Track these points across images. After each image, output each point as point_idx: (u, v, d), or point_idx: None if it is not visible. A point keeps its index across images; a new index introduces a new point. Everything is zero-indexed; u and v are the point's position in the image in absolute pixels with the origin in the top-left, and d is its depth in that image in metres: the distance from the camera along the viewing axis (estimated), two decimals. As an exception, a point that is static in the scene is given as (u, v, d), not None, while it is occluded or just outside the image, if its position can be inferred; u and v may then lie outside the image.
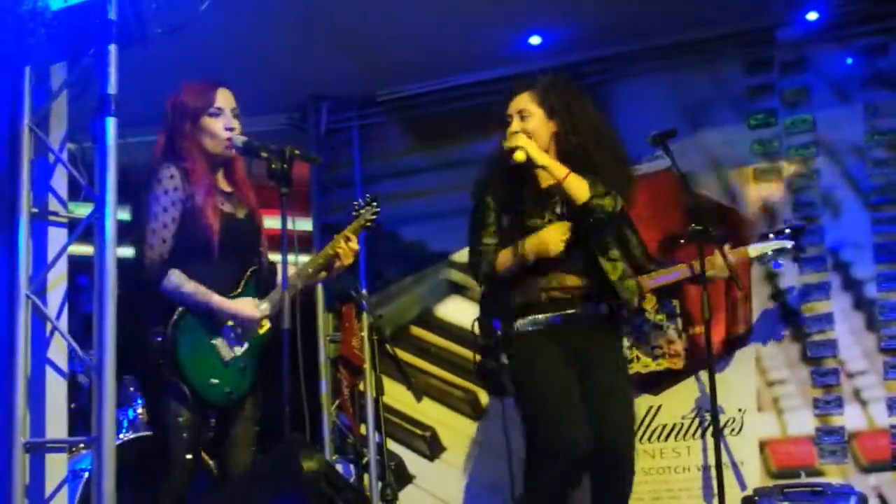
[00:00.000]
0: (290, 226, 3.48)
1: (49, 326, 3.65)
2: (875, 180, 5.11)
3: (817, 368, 5.08)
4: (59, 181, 3.82)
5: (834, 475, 4.94)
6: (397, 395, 5.67)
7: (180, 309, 3.57)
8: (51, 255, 3.71)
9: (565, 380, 3.93)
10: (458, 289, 5.81)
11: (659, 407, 5.29)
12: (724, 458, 4.71)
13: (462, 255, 5.18)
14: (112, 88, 3.59)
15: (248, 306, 3.66)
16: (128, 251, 3.69)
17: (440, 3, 4.95)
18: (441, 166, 5.84)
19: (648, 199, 5.29)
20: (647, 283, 4.62)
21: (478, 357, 4.17)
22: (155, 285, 3.56)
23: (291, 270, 3.76)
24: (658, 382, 5.31)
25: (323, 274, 3.91)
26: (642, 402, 5.30)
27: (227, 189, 3.79)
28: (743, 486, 5.00)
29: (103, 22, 3.62)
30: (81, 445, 4.38)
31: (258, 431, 3.76)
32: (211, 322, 3.62)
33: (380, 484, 5.34)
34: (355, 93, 6.05)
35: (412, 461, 5.83)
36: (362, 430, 5.66)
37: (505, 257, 4.04)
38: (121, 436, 4.83)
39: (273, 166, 3.53)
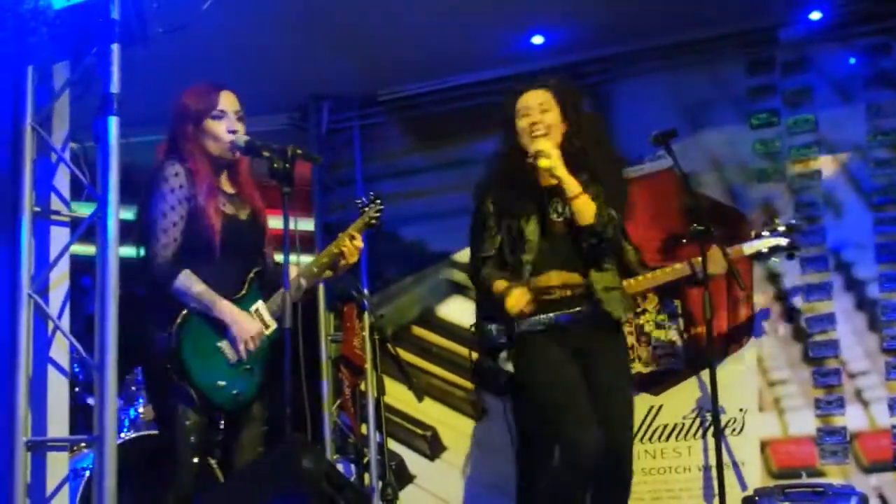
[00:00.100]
0: (291, 225, 3.48)
1: (51, 325, 3.65)
2: (877, 180, 5.11)
3: (819, 369, 5.08)
4: (62, 180, 3.82)
5: (835, 475, 4.94)
6: (398, 394, 5.67)
7: (185, 311, 3.55)
8: (53, 255, 3.72)
9: (570, 379, 3.93)
10: (459, 288, 5.80)
11: (660, 407, 5.29)
12: (725, 458, 4.72)
13: (463, 255, 5.19)
14: (114, 87, 3.59)
15: (247, 322, 3.62)
16: (131, 251, 3.67)
17: (441, 2, 4.96)
18: (442, 166, 5.84)
19: (650, 198, 5.32)
20: (645, 284, 4.64)
21: (475, 356, 4.17)
22: (165, 285, 3.54)
23: (295, 271, 3.76)
24: (659, 382, 5.32)
25: (328, 273, 3.89)
26: (643, 402, 5.29)
27: (231, 190, 3.77)
28: (744, 487, 4.99)
29: (106, 21, 3.63)
30: (83, 444, 4.38)
31: (266, 431, 3.74)
32: (217, 323, 3.59)
33: (380, 483, 5.34)
34: (356, 92, 6.05)
35: (413, 461, 5.84)
36: (363, 429, 5.65)
37: (497, 287, 4.04)
38: (122, 435, 4.83)
39: (275, 165, 3.52)
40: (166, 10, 3.77)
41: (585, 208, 3.96)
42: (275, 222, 3.70)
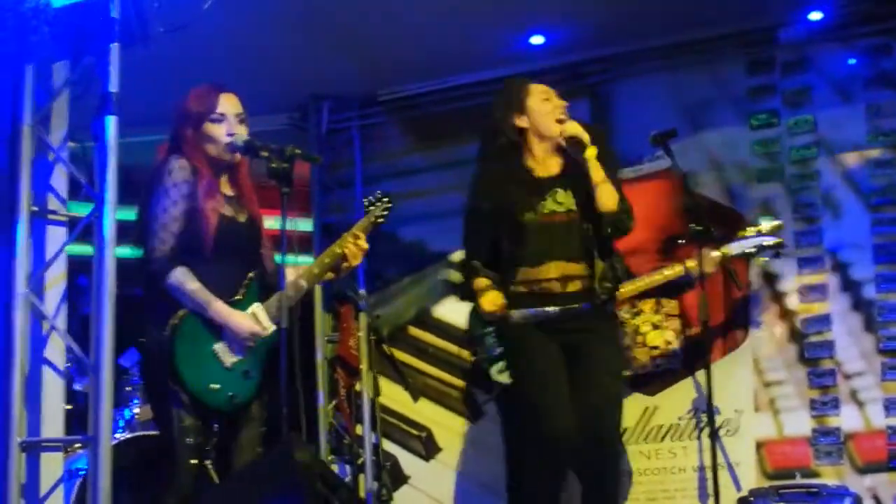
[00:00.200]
0: (290, 226, 3.48)
1: (46, 325, 3.66)
2: (876, 181, 5.10)
3: (814, 369, 5.07)
4: (59, 180, 3.83)
5: (830, 476, 4.93)
6: (394, 395, 5.65)
7: (181, 312, 3.54)
8: (49, 254, 3.72)
9: (547, 372, 3.93)
10: (456, 289, 5.78)
11: (655, 408, 5.29)
12: (720, 458, 4.74)
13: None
14: (113, 87, 3.61)
15: (245, 322, 3.61)
16: (128, 251, 3.67)
17: (441, 2, 4.96)
18: (441, 166, 5.83)
19: (649, 199, 5.31)
20: (634, 290, 4.66)
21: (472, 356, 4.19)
22: (160, 280, 3.53)
23: (295, 272, 3.75)
24: (655, 383, 5.31)
25: (330, 275, 3.86)
26: (638, 403, 5.31)
27: (231, 193, 3.76)
28: (738, 487, 4.98)
29: (105, 20, 3.64)
30: (77, 445, 4.38)
31: (263, 432, 3.72)
32: (212, 325, 3.58)
33: (375, 484, 5.34)
34: (356, 93, 6.05)
35: (408, 461, 5.83)
36: (358, 430, 5.65)
37: (477, 284, 4.05)
38: (116, 435, 4.84)
39: (274, 166, 3.53)
40: (166, 9, 3.79)
41: (610, 194, 4.02)
42: (273, 222, 3.71)
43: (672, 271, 4.78)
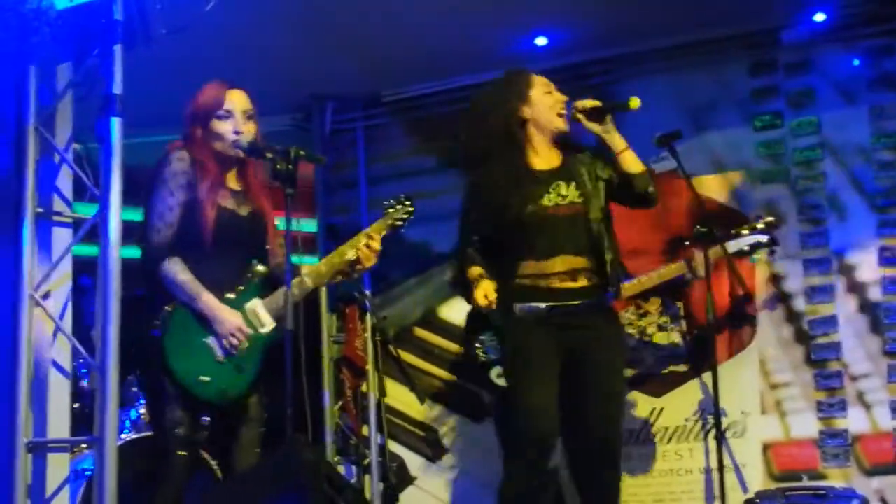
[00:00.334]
0: (294, 226, 3.46)
1: (52, 326, 3.65)
2: (881, 182, 5.10)
3: (821, 371, 5.07)
4: (64, 181, 3.83)
5: (837, 478, 4.92)
6: (400, 396, 5.65)
7: (174, 303, 3.53)
8: (55, 255, 3.72)
9: (544, 375, 3.88)
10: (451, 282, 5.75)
11: (661, 409, 5.28)
12: (727, 460, 4.72)
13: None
14: (117, 88, 3.60)
15: (229, 317, 3.58)
16: (133, 251, 3.67)
17: (444, 3, 4.95)
18: (445, 167, 5.81)
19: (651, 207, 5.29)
20: (632, 290, 4.65)
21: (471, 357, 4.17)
22: (154, 269, 3.52)
23: (302, 270, 3.73)
24: (661, 384, 5.30)
25: (339, 277, 3.84)
26: (645, 404, 5.30)
27: (237, 188, 3.75)
28: (745, 489, 4.97)
29: (109, 22, 3.64)
30: (84, 445, 4.38)
31: (263, 433, 3.71)
32: (205, 318, 3.56)
33: (381, 485, 5.33)
34: (360, 93, 6.05)
35: (414, 462, 5.82)
36: (364, 431, 5.64)
37: (471, 273, 3.99)
38: (123, 436, 4.83)
39: (278, 167, 3.52)
40: (169, 10, 3.77)
41: (633, 159, 4.05)
42: (279, 223, 3.69)
43: (668, 270, 4.78)
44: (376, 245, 3.79)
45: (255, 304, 3.67)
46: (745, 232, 4.80)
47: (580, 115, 4.06)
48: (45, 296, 3.66)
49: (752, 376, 5.16)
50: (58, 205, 3.79)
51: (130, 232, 3.64)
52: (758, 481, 5.03)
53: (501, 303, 3.91)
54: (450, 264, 4.20)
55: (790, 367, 5.13)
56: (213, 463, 4.43)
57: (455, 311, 5.75)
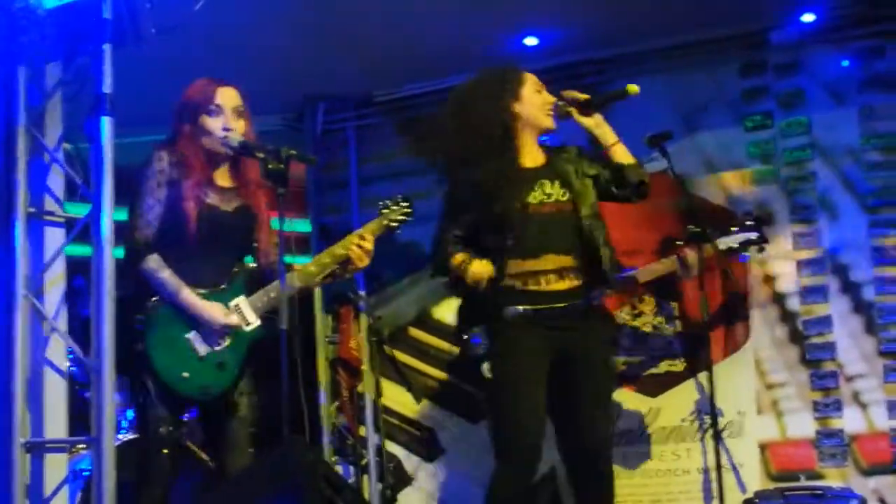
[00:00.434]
0: (287, 226, 3.43)
1: (47, 326, 3.63)
2: (871, 183, 5.11)
3: (816, 371, 5.06)
4: (56, 181, 3.82)
5: (834, 478, 4.92)
6: (396, 396, 5.62)
7: (154, 299, 3.51)
8: (48, 255, 3.71)
9: (531, 382, 3.85)
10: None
11: (658, 409, 5.27)
12: (724, 460, 4.71)
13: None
14: (107, 88, 3.59)
15: (215, 311, 3.56)
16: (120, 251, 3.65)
17: (436, 4, 4.95)
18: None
19: (645, 200, 5.28)
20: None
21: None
22: (135, 267, 3.51)
23: (294, 269, 3.70)
24: (657, 385, 5.30)
25: (329, 279, 3.80)
26: (641, 405, 5.30)
27: (227, 185, 3.73)
28: (743, 489, 4.97)
29: (98, 21, 3.63)
30: (81, 446, 4.34)
31: (255, 433, 3.68)
32: (186, 314, 3.54)
33: (379, 485, 5.30)
34: (352, 93, 6.04)
35: (411, 462, 5.81)
36: (361, 431, 5.63)
37: (457, 261, 3.93)
38: (120, 436, 4.78)
39: (270, 166, 3.49)
40: (159, 9, 3.75)
41: (624, 151, 4.07)
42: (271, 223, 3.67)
43: (660, 265, 4.78)
44: (368, 245, 3.76)
45: (240, 302, 3.64)
46: (734, 229, 4.80)
47: (571, 109, 4.06)
48: (39, 296, 3.63)
49: (747, 376, 5.16)
50: (49, 204, 3.77)
51: (120, 232, 3.62)
52: (755, 481, 5.02)
53: (489, 304, 3.88)
54: (430, 261, 4.11)
55: (785, 367, 5.12)
56: (202, 454, 4.39)
57: (449, 311, 5.73)
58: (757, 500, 4.66)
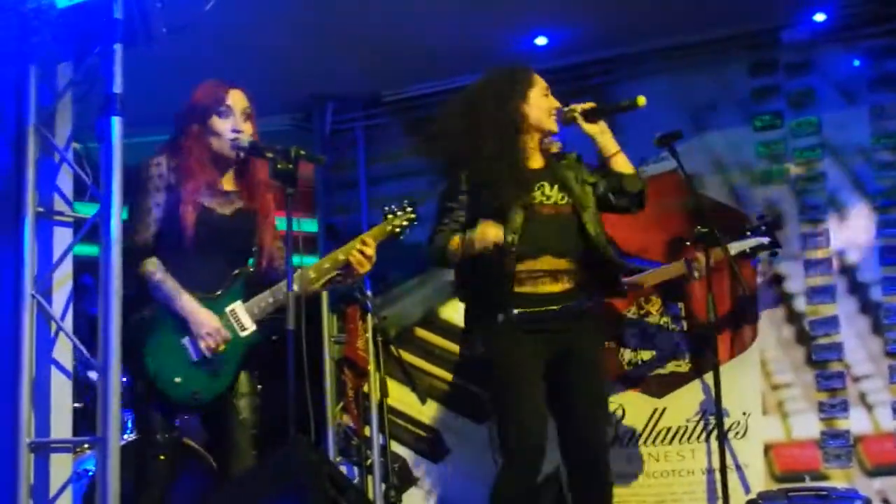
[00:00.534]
0: (294, 226, 3.44)
1: (54, 326, 3.64)
2: (881, 183, 5.10)
3: (822, 372, 5.06)
4: (65, 180, 3.81)
5: (839, 479, 4.92)
6: (401, 396, 5.64)
7: (153, 304, 3.52)
8: (56, 255, 3.71)
9: (530, 376, 3.86)
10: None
11: (663, 410, 5.28)
12: (729, 461, 4.72)
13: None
14: (117, 88, 3.58)
15: (205, 319, 3.53)
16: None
17: (445, 3, 4.95)
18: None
19: (653, 200, 5.27)
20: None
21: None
22: (134, 270, 3.50)
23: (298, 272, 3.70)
24: (662, 385, 5.30)
25: (329, 284, 3.77)
26: (646, 405, 5.30)
27: (231, 188, 3.72)
28: (747, 490, 4.97)
29: (109, 21, 3.62)
30: (86, 446, 4.37)
31: (256, 435, 3.66)
32: (182, 319, 3.53)
33: (383, 486, 5.32)
34: (360, 93, 6.05)
35: (416, 463, 5.81)
36: (366, 431, 5.64)
37: (455, 243, 3.92)
38: (125, 436, 4.81)
39: (279, 167, 3.50)
40: (169, 9, 3.76)
41: (625, 161, 4.07)
42: (279, 223, 3.67)
43: (666, 270, 4.78)
44: (370, 251, 3.71)
45: (236, 307, 3.63)
46: (747, 233, 4.80)
47: (576, 115, 4.06)
48: (47, 296, 3.64)
49: (753, 377, 5.15)
50: (58, 204, 3.77)
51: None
52: (760, 482, 5.02)
53: (487, 306, 3.91)
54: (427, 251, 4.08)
55: (791, 368, 5.12)
56: (205, 453, 4.41)
57: (456, 312, 5.74)
58: (760, 501, 4.65)
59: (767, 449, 5.10)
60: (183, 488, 4.09)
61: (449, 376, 5.81)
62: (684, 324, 5.31)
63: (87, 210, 3.74)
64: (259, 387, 3.75)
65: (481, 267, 3.90)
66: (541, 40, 5.42)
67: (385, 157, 6.13)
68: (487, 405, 4.23)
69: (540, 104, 4.08)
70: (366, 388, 5.53)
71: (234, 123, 3.66)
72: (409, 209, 3.84)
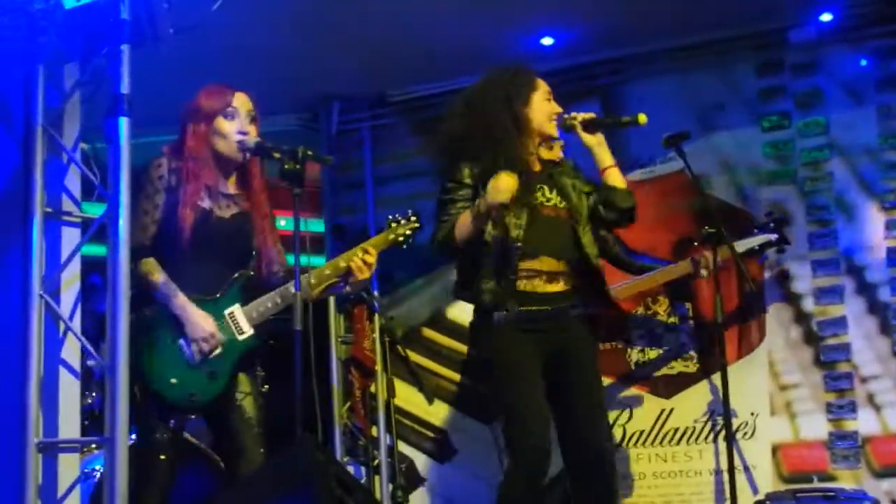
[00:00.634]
0: (301, 227, 3.45)
1: (62, 326, 3.64)
2: (888, 183, 5.10)
3: (830, 372, 5.06)
4: (73, 181, 3.80)
5: (847, 480, 4.91)
6: (408, 396, 5.65)
7: (151, 304, 3.53)
8: (64, 255, 3.69)
9: (530, 376, 3.85)
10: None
11: (671, 410, 5.28)
12: (737, 462, 4.70)
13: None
14: (125, 88, 3.57)
15: (201, 322, 3.53)
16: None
17: (451, 3, 4.96)
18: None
19: (661, 201, 5.30)
20: (629, 291, 4.65)
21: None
22: (132, 272, 3.48)
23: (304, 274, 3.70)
24: (670, 386, 5.30)
25: (328, 290, 3.75)
26: (654, 406, 5.31)
27: (233, 191, 3.72)
28: (755, 491, 4.98)
29: (116, 21, 3.60)
30: (94, 446, 4.37)
31: (263, 434, 3.65)
32: (178, 321, 3.54)
33: (390, 486, 5.32)
34: (366, 93, 6.06)
35: (423, 463, 5.82)
36: (373, 432, 5.63)
37: (462, 219, 3.88)
38: (133, 436, 4.80)
39: (286, 167, 3.50)
40: (176, 10, 3.76)
41: (618, 175, 4.06)
42: (285, 223, 3.67)
43: (671, 270, 4.78)
44: (371, 259, 3.71)
45: (235, 310, 3.63)
46: (755, 230, 4.81)
47: (576, 124, 4.05)
48: (55, 296, 3.64)
49: (761, 378, 5.15)
50: (66, 205, 3.75)
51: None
52: (767, 483, 5.02)
53: (484, 306, 3.91)
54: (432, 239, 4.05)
55: (799, 369, 5.12)
56: (210, 452, 4.41)
57: (463, 312, 5.74)
58: (768, 502, 4.65)
59: (775, 450, 5.10)
60: (190, 489, 4.09)
61: (456, 377, 5.81)
62: (691, 324, 5.30)
63: (95, 210, 3.73)
64: (265, 387, 3.76)
65: (483, 260, 3.90)
66: (547, 40, 5.43)
67: (391, 157, 6.13)
68: (492, 405, 4.21)
69: (542, 108, 4.08)
70: (373, 389, 5.52)
71: (240, 125, 3.67)
72: (413, 218, 3.83)
